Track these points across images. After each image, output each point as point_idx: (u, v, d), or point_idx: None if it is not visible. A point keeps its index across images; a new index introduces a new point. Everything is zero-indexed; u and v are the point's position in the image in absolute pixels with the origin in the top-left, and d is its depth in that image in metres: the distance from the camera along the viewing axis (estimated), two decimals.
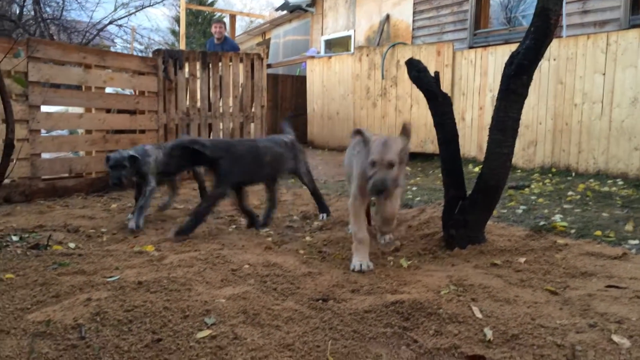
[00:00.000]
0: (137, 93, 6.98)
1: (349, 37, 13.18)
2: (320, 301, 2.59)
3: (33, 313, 2.29)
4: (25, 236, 3.81)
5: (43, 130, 5.97)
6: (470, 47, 9.31)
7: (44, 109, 5.89)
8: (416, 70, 3.66)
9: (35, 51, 5.43)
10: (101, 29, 15.43)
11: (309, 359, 1.97)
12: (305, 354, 2.02)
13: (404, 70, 3.80)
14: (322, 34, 14.11)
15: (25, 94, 5.36)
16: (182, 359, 1.91)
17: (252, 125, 8.19)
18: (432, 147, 8.59)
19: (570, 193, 5.51)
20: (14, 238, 3.67)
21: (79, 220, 4.47)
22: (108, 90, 6.75)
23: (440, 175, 3.76)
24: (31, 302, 2.45)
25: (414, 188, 6.14)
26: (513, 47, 4.08)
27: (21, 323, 2.19)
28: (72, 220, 4.43)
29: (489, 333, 2.27)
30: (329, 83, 10.56)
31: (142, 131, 6.83)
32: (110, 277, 2.78)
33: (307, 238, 3.99)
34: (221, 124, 7.83)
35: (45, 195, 5.62)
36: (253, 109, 8.18)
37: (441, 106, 3.58)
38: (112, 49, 17.59)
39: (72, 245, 3.61)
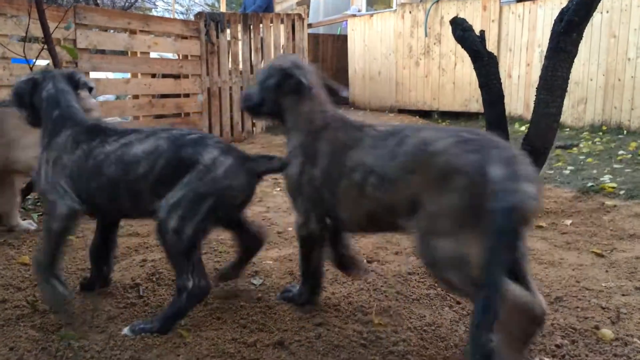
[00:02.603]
0: (180, 57, 7.07)
1: None
2: (365, 263, 2.65)
3: None
4: None
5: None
6: (518, 1, 8.94)
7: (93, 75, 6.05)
8: (461, 29, 3.58)
9: (82, 18, 5.55)
10: None
11: (354, 319, 2.05)
12: (351, 314, 2.09)
13: (448, 27, 3.71)
14: None
15: (74, 61, 5.51)
16: (235, 317, 2.01)
17: None
18: (477, 106, 8.40)
19: (621, 152, 5.35)
20: None
21: None
22: (152, 55, 6.86)
23: None
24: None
25: None
26: None
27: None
28: None
29: None
30: (371, 42, 10.38)
31: (187, 95, 6.94)
32: None
33: None
34: None
35: None
36: None
37: (487, 66, 3.50)
38: (154, 12, 17.74)
39: None
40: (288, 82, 2.01)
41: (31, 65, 3.53)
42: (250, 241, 2.21)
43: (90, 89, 2.35)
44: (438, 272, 1.65)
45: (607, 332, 1.96)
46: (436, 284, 2.40)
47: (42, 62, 4.36)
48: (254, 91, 2.12)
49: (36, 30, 3.97)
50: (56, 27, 3.38)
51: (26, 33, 3.82)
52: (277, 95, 2.05)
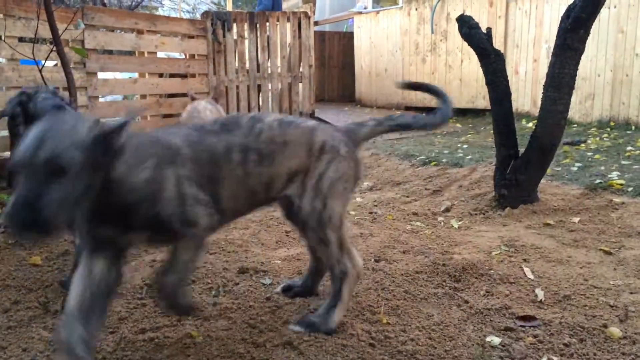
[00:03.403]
0: (187, 56, 7.10)
1: None
2: (372, 262, 2.66)
3: None
4: None
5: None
6: None
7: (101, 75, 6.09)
8: (467, 26, 3.58)
9: (91, 19, 5.58)
10: None
11: (362, 319, 2.06)
12: (359, 313, 2.10)
13: (454, 24, 3.71)
14: None
15: (82, 61, 5.55)
16: (244, 317, 2.03)
17: (300, 85, 8.20)
18: (484, 102, 8.38)
19: (629, 148, 5.32)
20: None
21: None
22: (160, 54, 6.89)
23: (492, 132, 3.71)
24: None
25: (465, 146, 6.06)
26: None
27: None
28: None
29: (540, 294, 2.29)
30: (377, 39, 10.37)
31: None
32: None
33: (358, 199, 4.05)
34: (270, 85, 7.88)
35: None
36: (301, 69, 8.18)
37: (493, 64, 3.50)
38: (160, 11, 17.79)
39: None
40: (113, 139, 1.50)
41: (40, 67, 3.56)
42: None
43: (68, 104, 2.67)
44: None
45: (615, 330, 1.96)
46: (444, 283, 2.41)
47: (51, 63, 4.40)
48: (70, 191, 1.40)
49: (45, 32, 4.00)
50: (65, 29, 3.40)
51: (35, 34, 3.85)
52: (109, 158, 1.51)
